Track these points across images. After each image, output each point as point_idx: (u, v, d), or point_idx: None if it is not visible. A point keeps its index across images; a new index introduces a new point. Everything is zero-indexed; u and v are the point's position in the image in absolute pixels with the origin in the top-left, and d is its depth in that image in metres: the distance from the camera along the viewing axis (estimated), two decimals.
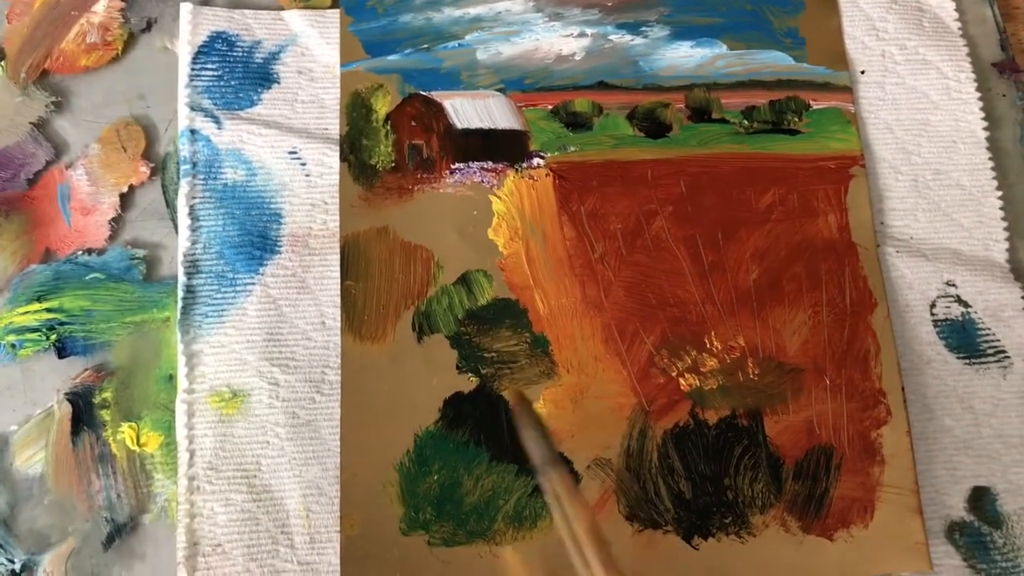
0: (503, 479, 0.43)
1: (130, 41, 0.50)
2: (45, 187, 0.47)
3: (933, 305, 0.47)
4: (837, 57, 0.51)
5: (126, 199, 0.47)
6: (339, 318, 0.45)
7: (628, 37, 0.51)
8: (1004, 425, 0.45)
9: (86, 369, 0.44)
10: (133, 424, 0.43)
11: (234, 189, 0.47)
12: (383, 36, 0.50)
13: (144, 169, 0.48)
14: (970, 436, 0.45)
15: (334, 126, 0.48)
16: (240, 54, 0.49)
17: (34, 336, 0.44)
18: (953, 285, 0.47)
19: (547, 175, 0.48)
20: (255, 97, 0.48)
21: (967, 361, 0.46)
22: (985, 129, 0.50)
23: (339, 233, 0.47)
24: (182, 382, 0.44)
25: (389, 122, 0.49)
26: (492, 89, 0.50)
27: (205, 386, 0.44)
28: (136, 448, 0.43)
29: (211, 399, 0.44)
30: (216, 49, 0.49)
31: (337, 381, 0.44)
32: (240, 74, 0.49)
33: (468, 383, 0.45)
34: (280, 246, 0.46)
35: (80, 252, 0.46)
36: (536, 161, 0.48)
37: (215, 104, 0.48)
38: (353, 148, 0.48)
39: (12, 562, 0.41)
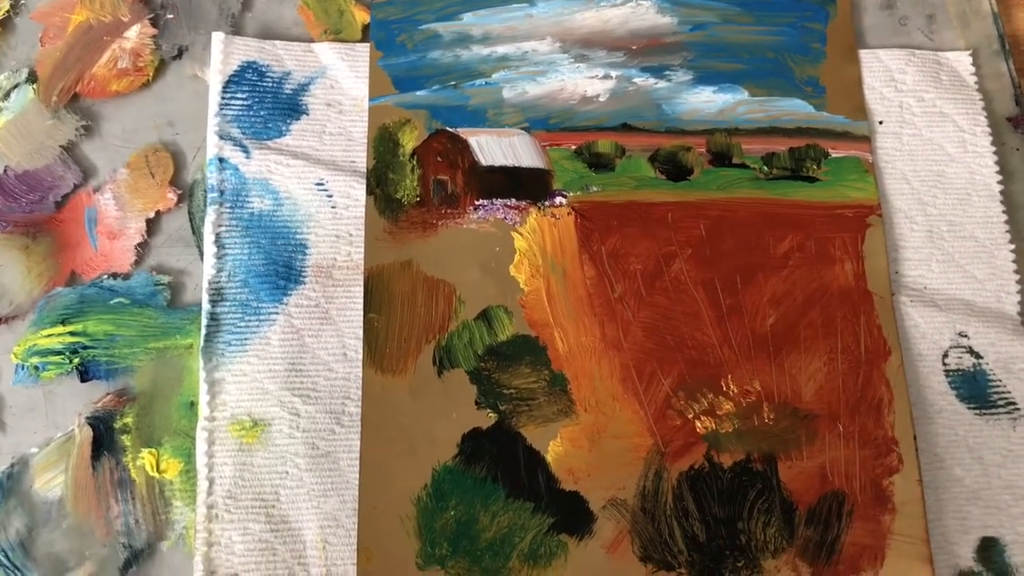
0: (519, 516, 0.43)
1: (161, 68, 0.50)
2: (73, 210, 0.48)
3: (945, 355, 0.48)
4: (856, 107, 0.52)
5: (152, 225, 0.48)
6: (361, 350, 0.46)
7: (652, 80, 0.52)
8: (1013, 476, 0.46)
9: (108, 394, 0.45)
10: (153, 450, 0.44)
11: (260, 218, 0.47)
12: (412, 72, 0.51)
13: (171, 196, 0.48)
14: (979, 486, 0.46)
15: (361, 159, 0.49)
16: (270, 84, 0.50)
17: (57, 359, 0.45)
18: (965, 336, 0.48)
19: (569, 214, 0.49)
20: (284, 128, 0.49)
21: (978, 412, 0.47)
22: (999, 183, 0.51)
23: (363, 265, 0.47)
24: (203, 409, 0.44)
25: (415, 157, 0.49)
26: (517, 128, 0.50)
27: (226, 414, 0.44)
28: (155, 474, 0.43)
29: (232, 427, 0.44)
30: (246, 79, 0.49)
31: (357, 413, 0.45)
32: (270, 104, 0.49)
33: (487, 419, 0.45)
34: (304, 276, 0.47)
35: (105, 276, 0.46)
36: (559, 200, 0.49)
37: (244, 133, 0.48)
38: (379, 182, 0.48)
39: None
